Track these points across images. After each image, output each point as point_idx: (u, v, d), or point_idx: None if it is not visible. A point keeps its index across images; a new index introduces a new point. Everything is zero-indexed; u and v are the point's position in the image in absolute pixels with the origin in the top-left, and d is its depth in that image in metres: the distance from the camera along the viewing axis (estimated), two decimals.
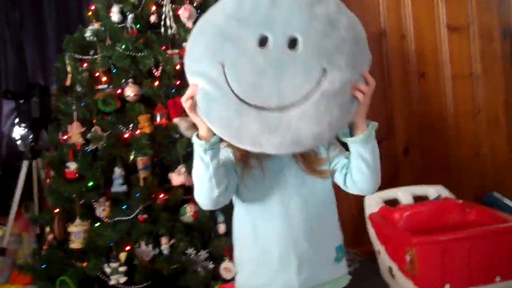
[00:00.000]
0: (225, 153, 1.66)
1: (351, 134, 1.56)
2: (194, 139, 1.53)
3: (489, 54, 3.97)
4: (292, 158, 1.65)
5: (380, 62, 3.91)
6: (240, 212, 1.75)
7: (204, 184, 1.56)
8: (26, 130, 3.49)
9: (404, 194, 3.10)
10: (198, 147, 1.52)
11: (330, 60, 1.43)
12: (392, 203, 3.11)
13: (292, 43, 1.43)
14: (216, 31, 1.48)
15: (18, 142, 3.65)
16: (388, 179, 3.84)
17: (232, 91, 1.43)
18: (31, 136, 3.45)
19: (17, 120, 3.63)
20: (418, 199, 3.18)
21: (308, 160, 1.65)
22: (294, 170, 1.66)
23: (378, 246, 2.90)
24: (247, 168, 1.66)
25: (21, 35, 3.92)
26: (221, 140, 1.53)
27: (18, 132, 3.62)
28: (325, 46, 1.44)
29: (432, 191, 3.15)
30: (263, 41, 1.44)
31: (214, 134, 1.51)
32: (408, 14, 3.91)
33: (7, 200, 3.52)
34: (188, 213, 2.79)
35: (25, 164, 3.44)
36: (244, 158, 1.65)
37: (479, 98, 3.98)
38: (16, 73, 3.90)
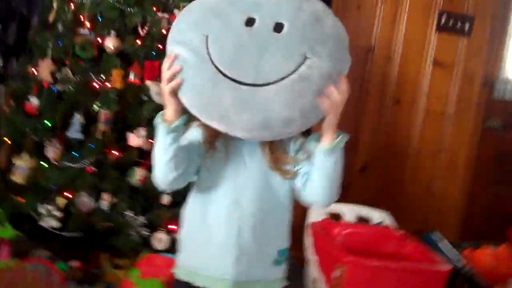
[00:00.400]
0: (195, 133, 1.65)
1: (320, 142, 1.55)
2: (158, 120, 1.52)
3: (465, 97, 4.02)
4: (259, 149, 1.64)
5: (362, 76, 3.94)
6: (195, 192, 1.74)
7: (161, 165, 1.56)
8: None
9: (349, 212, 3.13)
10: (161, 128, 1.52)
11: (312, 48, 1.45)
12: (336, 217, 3.14)
13: (278, 27, 1.45)
14: (206, 8, 1.51)
15: None
16: (340, 193, 3.89)
17: (212, 61, 1.44)
18: (1, 62, 3.40)
19: None
20: (362, 221, 3.22)
21: (275, 155, 1.63)
22: (258, 162, 1.64)
23: (310, 255, 2.92)
24: (211, 150, 1.64)
25: None
26: (186, 123, 1.54)
27: None
28: (309, 35, 1.46)
29: (377, 215, 3.18)
30: (250, 22, 1.46)
31: (180, 115, 1.52)
32: (400, 38, 3.94)
33: None
34: (136, 176, 2.78)
35: None
36: (212, 139, 1.63)
37: (445, 138, 4.03)
38: None
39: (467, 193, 4.06)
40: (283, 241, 1.75)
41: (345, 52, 1.54)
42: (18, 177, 2.77)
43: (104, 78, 2.82)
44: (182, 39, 1.50)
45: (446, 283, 2.58)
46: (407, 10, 3.92)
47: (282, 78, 1.43)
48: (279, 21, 1.46)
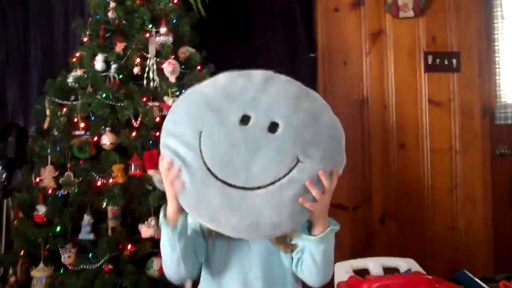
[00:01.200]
0: (195, 220, 1.64)
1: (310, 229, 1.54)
2: (161, 219, 1.53)
3: (468, 130, 4.02)
4: None
5: (361, 129, 3.95)
6: (204, 275, 1.73)
7: (171, 263, 1.56)
8: (1, 169, 3.47)
9: (374, 265, 3.06)
10: (165, 229, 1.52)
11: (305, 150, 1.42)
12: (363, 272, 3.08)
13: (273, 127, 1.43)
14: (202, 99, 1.49)
15: None
16: (362, 247, 3.84)
17: (203, 160, 1.42)
18: (4, 176, 3.42)
19: None
20: (389, 270, 3.15)
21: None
22: (260, 241, 1.64)
23: None
24: (212, 236, 1.64)
25: (5, 75, 3.91)
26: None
27: None
28: (304, 136, 1.43)
29: (403, 264, 3.12)
30: (245, 119, 1.43)
31: (182, 212, 1.51)
32: (390, 85, 3.98)
33: None
34: (154, 267, 2.75)
35: None
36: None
37: (457, 173, 4.01)
38: None
39: (491, 223, 4.01)
40: None
41: (339, 151, 1.53)
42: None
43: (106, 174, 2.82)
44: (176, 132, 1.48)
45: None
46: (392, 57, 3.99)
47: (273, 182, 1.41)
48: (275, 120, 1.43)
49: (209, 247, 1.65)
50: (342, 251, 3.59)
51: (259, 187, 1.40)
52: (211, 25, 3.80)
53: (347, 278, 2.89)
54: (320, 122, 1.47)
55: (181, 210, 1.50)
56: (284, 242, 1.62)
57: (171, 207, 1.51)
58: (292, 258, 1.64)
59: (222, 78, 1.54)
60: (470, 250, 3.99)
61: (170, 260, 1.56)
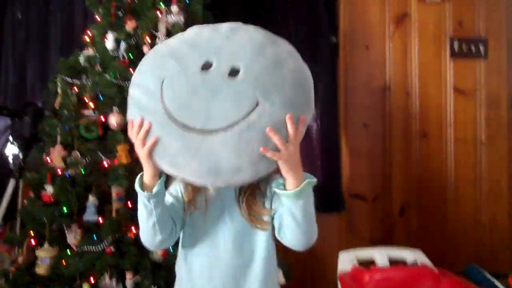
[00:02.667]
0: (177, 188, 1.67)
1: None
2: (137, 186, 1.52)
3: (494, 120, 3.90)
4: (236, 204, 1.62)
5: (382, 117, 3.86)
6: (180, 248, 1.75)
7: (147, 229, 1.56)
8: (18, 148, 3.49)
9: (380, 256, 3.00)
10: (141, 195, 1.52)
11: (265, 94, 1.41)
12: (369, 263, 3.02)
13: (233, 73, 1.44)
14: (168, 51, 1.54)
15: (10, 160, 3.63)
16: (381, 239, 3.76)
17: (164, 106, 1.45)
18: (21, 155, 3.44)
19: (10, 138, 3.64)
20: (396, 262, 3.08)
21: (250, 209, 1.61)
22: (236, 216, 1.63)
23: None
24: (192, 206, 1.65)
25: (25, 55, 3.93)
26: (165, 184, 1.54)
27: (10, 149, 3.60)
28: (264, 80, 1.42)
29: (410, 255, 3.04)
30: (206, 66, 1.46)
31: (159, 179, 1.52)
32: (414, 72, 3.87)
33: None
34: (157, 251, 2.72)
35: (11, 183, 3.43)
36: (193, 195, 1.64)
37: (482, 165, 3.90)
38: (15, 92, 3.91)
39: None
40: (275, 285, 1.73)
41: (305, 99, 1.48)
42: (41, 269, 2.75)
43: (111, 155, 2.79)
44: (141, 82, 1.53)
45: None
46: (416, 42, 3.87)
47: (232, 126, 1.39)
48: (235, 66, 1.44)
49: (187, 220, 1.66)
50: (361, 243, 3.53)
51: (217, 131, 1.41)
52: (227, 5, 3.75)
53: (350, 268, 2.84)
54: (284, 68, 1.46)
55: (158, 175, 1.51)
56: (260, 219, 1.61)
57: (147, 171, 1.51)
58: (273, 236, 1.64)
59: (190, 30, 1.59)
60: (494, 245, 3.89)
61: (146, 227, 1.56)
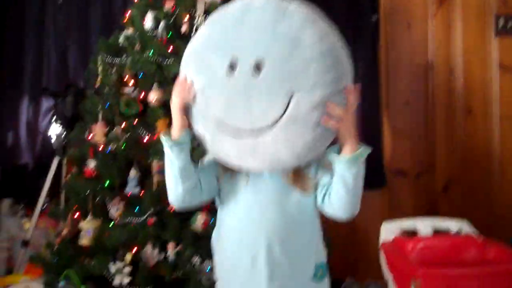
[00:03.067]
0: (210, 159, 1.70)
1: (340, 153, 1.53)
2: (162, 136, 1.58)
3: None
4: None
5: (425, 95, 3.85)
6: (220, 214, 1.75)
7: (170, 180, 1.61)
8: (60, 127, 3.61)
9: (424, 226, 2.99)
10: (165, 143, 1.57)
11: (295, 83, 1.42)
12: (413, 234, 3.02)
13: (258, 67, 1.44)
14: (194, 57, 1.59)
15: (53, 140, 3.75)
16: (425, 215, 3.75)
17: (212, 115, 1.51)
18: (64, 134, 3.55)
19: (53, 118, 3.76)
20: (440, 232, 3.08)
21: (295, 175, 1.63)
22: (278, 179, 1.64)
23: (387, 275, 2.82)
24: (230, 170, 1.66)
25: (65, 38, 4.03)
26: (192, 139, 1.59)
27: (54, 129, 3.72)
28: (289, 69, 1.42)
29: (454, 225, 3.02)
30: (232, 67, 1.47)
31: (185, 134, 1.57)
32: (458, 48, 3.84)
33: (38, 195, 3.62)
34: (198, 222, 2.77)
35: (55, 161, 3.54)
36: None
37: None
38: (58, 73, 4.02)
39: None
40: (318, 255, 1.72)
41: (336, 61, 1.48)
42: (85, 240, 2.83)
43: (152, 130, 2.86)
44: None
45: None
46: (460, 20, 3.83)
47: (276, 122, 1.43)
48: (258, 60, 1.44)
49: (226, 184, 1.69)
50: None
51: (264, 130, 1.44)
52: None
53: (392, 238, 2.85)
54: (302, 46, 1.44)
55: (185, 129, 1.57)
56: (302, 180, 1.63)
57: (176, 123, 1.58)
58: (314, 198, 1.65)
59: (204, 28, 1.63)
60: None
61: (169, 179, 1.62)
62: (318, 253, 1.72)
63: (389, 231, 2.96)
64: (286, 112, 1.42)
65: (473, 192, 3.83)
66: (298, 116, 1.42)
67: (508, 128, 3.84)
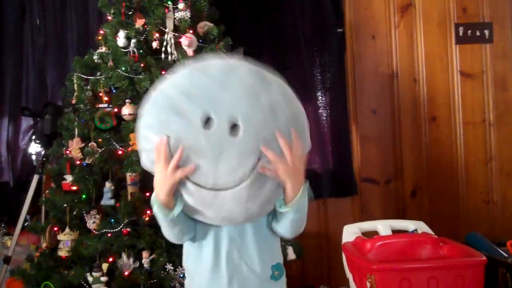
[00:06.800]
0: None
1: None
2: (156, 207, 1.58)
3: (502, 102, 3.99)
4: None
5: (391, 103, 3.97)
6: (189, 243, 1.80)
7: (171, 236, 1.67)
8: (40, 146, 3.70)
9: (383, 227, 3.11)
10: (161, 215, 1.59)
11: (266, 146, 1.48)
12: (372, 234, 3.11)
13: (234, 128, 1.48)
14: (167, 104, 1.53)
15: (33, 157, 3.84)
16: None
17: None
18: (43, 153, 3.64)
19: (33, 137, 3.86)
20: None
21: None
22: None
23: (347, 273, 2.95)
24: None
25: (44, 58, 4.12)
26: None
27: (34, 147, 3.81)
28: (264, 134, 1.48)
29: (412, 226, 3.15)
30: (207, 121, 1.48)
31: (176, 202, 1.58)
32: (421, 58, 3.98)
33: (19, 212, 3.68)
34: None
35: (35, 178, 3.62)
36: None
37: (491, 146, 3.97)
38: (36, 93, 4.09)
39: None
40: (274, 256, 1.78)
41: (302, 140, 1.57)
42: (63, 251, 2.93)
43: (125, 144, 2.96)
44: (148, 136, 1.57)
45: (484, 275, 2.53)
46: (421, 30, 3.97)
47: (240, 182, 1.49)
48: (235, 121, 1.48)
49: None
50: None
51: (227, 188, 1.49)
52: (233, 1, 3.91)
53: (353, 239, 2.95)
54: (280, 116, 1.51)
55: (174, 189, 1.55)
56: None
57: (169, 191, 1.54)
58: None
59: (181, 75, 1.58)
60: (506, 224, 3.96)
61: (169, 235, 1.66)
62: (273, 254, 1.78)
63: (350, 232, 3.07)
64: (252, 173, 1.49)
65: (441, 196, 3.98)
66: (261, 178, 1.50)
67: (471, 134, 3.99)
